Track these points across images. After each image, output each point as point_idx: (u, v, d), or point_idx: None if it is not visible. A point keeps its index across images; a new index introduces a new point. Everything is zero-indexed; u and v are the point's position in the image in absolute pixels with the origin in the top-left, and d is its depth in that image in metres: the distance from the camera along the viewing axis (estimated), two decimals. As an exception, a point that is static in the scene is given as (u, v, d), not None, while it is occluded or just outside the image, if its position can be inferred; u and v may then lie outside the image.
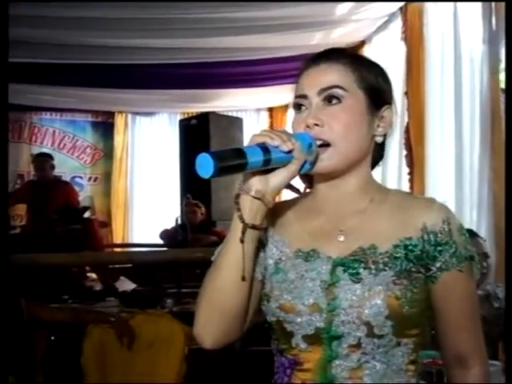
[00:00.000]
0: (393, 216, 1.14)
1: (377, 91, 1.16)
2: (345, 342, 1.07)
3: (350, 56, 1.19)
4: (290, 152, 1.04)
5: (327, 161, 1.11)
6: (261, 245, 1.15)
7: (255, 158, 1.01)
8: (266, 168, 1.05)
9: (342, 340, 1.08)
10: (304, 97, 1.15)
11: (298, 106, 1.17)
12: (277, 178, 1.07)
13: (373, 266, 1.09)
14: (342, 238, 1.14)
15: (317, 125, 1.11)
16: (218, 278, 1.10)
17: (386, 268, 1.09)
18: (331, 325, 1.08)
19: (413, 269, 1.10)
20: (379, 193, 1.19)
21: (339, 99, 1.12)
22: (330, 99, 1.13)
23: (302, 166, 1.09)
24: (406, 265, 1.10)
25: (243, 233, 1.05)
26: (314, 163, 1.11)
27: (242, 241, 1.06)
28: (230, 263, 1.08)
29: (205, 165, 0.97)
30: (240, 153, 1.00)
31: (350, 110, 1.13)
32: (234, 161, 1.00)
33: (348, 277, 1.08)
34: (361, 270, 1.09)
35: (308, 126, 1.11)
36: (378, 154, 1.22)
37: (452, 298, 1.14)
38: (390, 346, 1.08)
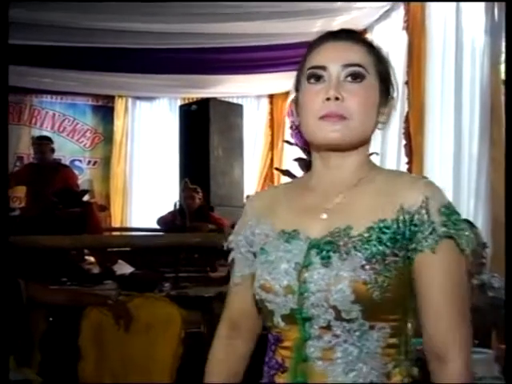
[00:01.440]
0: (375, 196, 1.12)
1: (388, 80, 1.18)
2: (316, 323, 1.08)
3: (365, 39, 1.20)
4: None
5: (340, 132, 1.11)
6: (248, 245, 1.22)
7: None
8: None
9: (312, 322, 1.08)
10: (323, 68, 1.13)
11: (315, 77, 1.14)
12: None
13: (343, 250, 1.07)
14: (324, 216, 1.13)
15: (337, 99, 1.10)
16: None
17: (357, 252, 1.07)
18: (303, 307, 1.09)
19: (387, 251, 1.07)
20: (370, 171, 1.18)
21: (362, 78, 1.12)
22: (353, 76, 1.12)
23: None
24: (378, 249, 1.07)
25: None
26: None
27: None
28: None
29: None
30: None
31: (370, 91, 1.13)
32: None
33: (319, 260, 1.09)
34: (331, 254, 1.08)
35: (328, 98, 1.10)
36: None
37: (427, 282, 1.08)
38: (362, 330, 1.07)
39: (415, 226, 1.07)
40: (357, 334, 1.07)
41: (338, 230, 1.10)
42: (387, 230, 1.08)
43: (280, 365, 1.14)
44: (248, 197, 1.31)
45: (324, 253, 1.09)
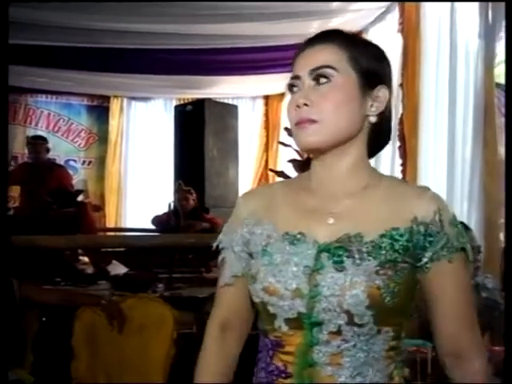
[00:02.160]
0: (384, 204, 1.14)
1: (370, 71, 1.15)
2: (325, 328, 1.08)
3: (345, 37, 1.18)
4: None
5: (313, 136, 1.12)
6: (243, 244, 1.20)
7: None
8: None
9: (322, 326, 1.08)
10: (297, 78, 1.16)
11: (291, 88, 1.18)
12: None
13: (357, 256, 1.08)
14: (331, 221, 1.13)
15: (306, 104, 1.12)
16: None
17: (370, 258, 1.08)
18: (312, 311, 1.08)
19: (398, 259, 1.09)
20: (372, 178, 1.18)
21: (328, 78, 1.13)
22: (319, 79, 1.13)
23: None
24: (390, 255, 1.09)
25: None
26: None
27: None
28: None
29: None
30: None
31: (339, 89, 1.13)
32: None
33: (332, 264, 1.08)
34: (344, 259, 1.08)
35: (298, 106, 1.13)
36: (378, 136, 1.21)
37: (445, 290, 1.13)
38: (370, 335, 1.08)
39: (430, 235, 1.11)
40: (366, 338, 1.08)
41: (349, 235, 1.11)
42: (400, 238, 1.10)
43: (281, 371, 1.13)
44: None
45: (337, 257, 1.09)
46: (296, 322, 1.10)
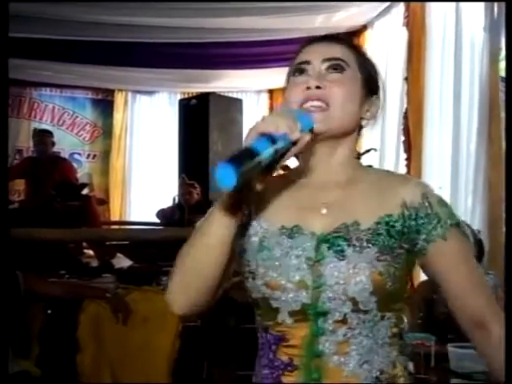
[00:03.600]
0: (373, 193, 1.17)
1: (371, 78, 1.23)
2: (331, 317, 1.10)
3: (352, 42, 1.26)
4: (296, 141, 1.02)
5: (323, 122, 1.13)
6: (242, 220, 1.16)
7: (266, 154, 0.96)
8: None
9: (328, 316, 1.10)
10: (307, 62, 1.19)
11: (299, 71, 1.19)
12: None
13: (357, 243, 1.11)
14: (324, 211, 1.16)
15: (318, 87, 1.14)
16: (201, 247, 1.12)
17: (370, 245, 1.10)
18: (318, 301, 1.10)
19: (395, 245, 1.12)
20: (360, 170, 1.23)
21: (341, 69, 1.17)
22: (334, 67, 1.17)
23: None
24: (388, 241, 1.12)
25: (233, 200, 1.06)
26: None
27: (235, 210, 1.07)
28: (214, 233, 1.09)
29: (225, 176, 0.92)
30: (251, 151, 0.95)
31: (351, 81, 1.18)
32: (250, 162, 0.94)
33: (333, 254, 1.10)
34: (345, 247, 1.10)
35: (309, 88, 1.15)
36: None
37: (450, 267, 1.15)
38: (374, 321, 1.11)
39: (421, 218, 1.14)
40: (370, 324, 1.11)
41: (346, 224, 1.13)
42: (396, 224, 1.13)
43: (287, 364, 1.13)
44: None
45: (337, 247, 1.11)
46: (300, 314, 1.11)
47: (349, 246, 1.11)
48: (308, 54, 1.20)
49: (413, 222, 1.13)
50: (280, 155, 1.01)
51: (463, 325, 1.17)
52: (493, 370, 1.17)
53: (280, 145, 0.99)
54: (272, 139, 0.97)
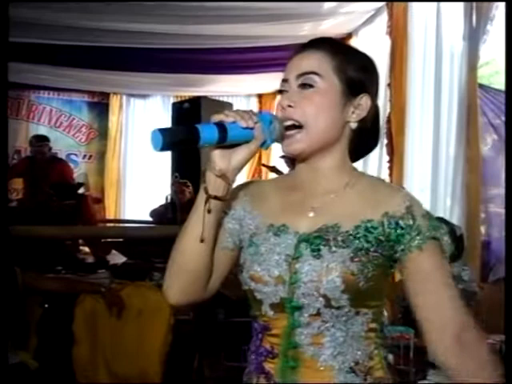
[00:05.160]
0: (360, 199, 1.17)
1: (354, 80, 1.18)
2: (306, 311, 1.12)
3: (333, 45, 1.21)
4: (249, 129, 1.08)
5: (298, 143, 1.15)
6: (237, 220, 1.22)
7: (209, 135, 1.05)
8: (225, 144, 1.09)
9: (303, 310, 1.12)
10: (285, 81, 1.19)
11: (280, 90, 1.21)
12: (238, 155, 1.11)
13: (332, 244, 1.12)
14: (311, 214, 1.17)
15: (290, 106, 1.15)
16: (183, 242, 1.17)
17: (344, 246, 1.11)
18: (293, 296, 1.12)
19: (370, 249, 1.12)
20: (353, 177, 1.21)
21: (312, 85, 1.16)
22: (304, 84, 1.16)
23: (263, 143, 1.13)
24: (363, 245, 1.12)
25: (206, 202, 1.12)
26: (275, 140, 1.14)
27: (208, 211, 1.12)
28: (193, 229, 1.15)
29: (155, 139, 1.04)
30: (192, 129, 1.05)
31: (322, 95, 1.16)
32: (182, 137, 1.06)
33: (310, 252, 1.12)
34: (321, 247, 1.12)
35: (283, 107, 1.16)
36: (360, 142, 1.23)
37: (426, 278, 1.13)
38: (348, 316, 1.12)
39: (402, 228, 1.12)
40: (343, 319, 1.12)
41: (326, 226, 1.14)
42: (373, 230, 1.13)
43: (269, 351, 1.16)
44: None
45: (314, 246, 1.13)
46: (279, 307, 1.14)
47: (325, 245, 1.12)
48: (287, 72, 1.19)
49: (392, 231, 1.12)
50: (237, 142, 1.10)
51: (432, 336, 1.13)
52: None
53: (230, 133, 1.07)
54: (222, 127, 1.07)
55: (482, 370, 1.10)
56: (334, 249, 1.11)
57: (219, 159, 1.11)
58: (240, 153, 1.11)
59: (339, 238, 1.12)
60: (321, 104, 1.15)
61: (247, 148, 1.11)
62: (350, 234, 1.13)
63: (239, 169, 1.13)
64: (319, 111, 1.15)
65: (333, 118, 1.16)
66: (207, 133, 1.05)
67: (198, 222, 1.13)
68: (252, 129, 1.08)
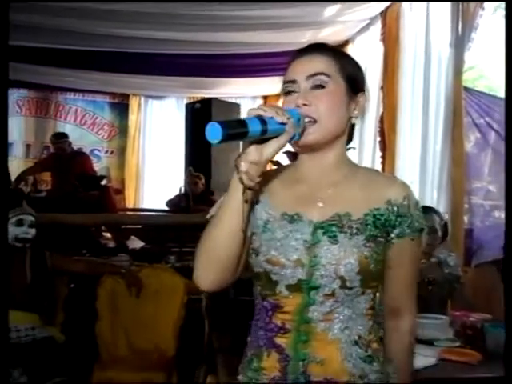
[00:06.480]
0: (363, 189, 1.19)
1: (354, 79, 1.21)
2: (321, 291, 1.13)
3: (333, 49, 1.23)
4: (283, 124, 1.06)
5: (313, 134, 1.15)
6: (250, 207, 1.18)
7: (254, 128, 1.02)
8: (263, 138, 1.06)
9: (319, 290, 1.13)
10: (293, 81, 1.18)
11: (288, 92, 1.19)
12: (270, 148, 1.09)
13: (348, 231, 1.14)
14: (321, 204, 1.18)
15: (305, 104, 1.15)
16: (216, 232, 1.14)
17: (359, 233, 1.14)
18: (311, 277, 1.13)
19: (378, 234, 1.16)
20: (351, 168, 1.23)
21: (323, 85, 1.16)
22: (316, 84, 1.16)
23: (291, 138, 1.11)
24: (373, 231, 1.15)
25: (243, 193, 1.09)
26: (300, 135, 1.13)
27: (246, 201, 1.10)
28: (228, 219, 1.12)
29: (213, 132, 0.98)
30: (243, 123, 1.02)
31: (333, 94, 1.17)
32: (237, 129, 1.01)
33: (327, 239, 1.14)
34: (337, 234, 1.14)
35: (298, 106, 1.15)
36: (349, 134, 1.25)
37: (402, 261, 1.20)
38: (356, 295, 1.15)
39: (400, 216, 1.17)
40: (352, 298, 1.14)
41: (339, 215, 1.16)
42: (381, 217, 1.16)
43: (280, 327, 1.16)
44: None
45: (330, 233, 1.14)
46: (295, 287, 1.14)
47: (341, 232, 1.14)
48: (293, 73, 1.19)
49: (393, 217, 1.16)
50: (270, 136, 1.07)
51: (386, 310, 1.23)
52: (397, 370, 1.22)
53: (269, 127, 1.04)
54: (263, 121, 1.04)
55: (401, 352, 1.24)
56: (349, 235, 1.14)
57: (254, 150, 1.08)
58: (272, 146, 1.08)
59: (354, 226, 1.15)
60: (332, 102, 1.16)
61: (278, 142, 1.08)
62: (362, 222, 1.15)
63: (270, 159, 1.12)
64: (331, 109, 1.16)
65: (341, 114, 1.18)
66: (253, 126, 1.02)
67: (232, 212, 1.10)
68: (285, 124, 1.07)
